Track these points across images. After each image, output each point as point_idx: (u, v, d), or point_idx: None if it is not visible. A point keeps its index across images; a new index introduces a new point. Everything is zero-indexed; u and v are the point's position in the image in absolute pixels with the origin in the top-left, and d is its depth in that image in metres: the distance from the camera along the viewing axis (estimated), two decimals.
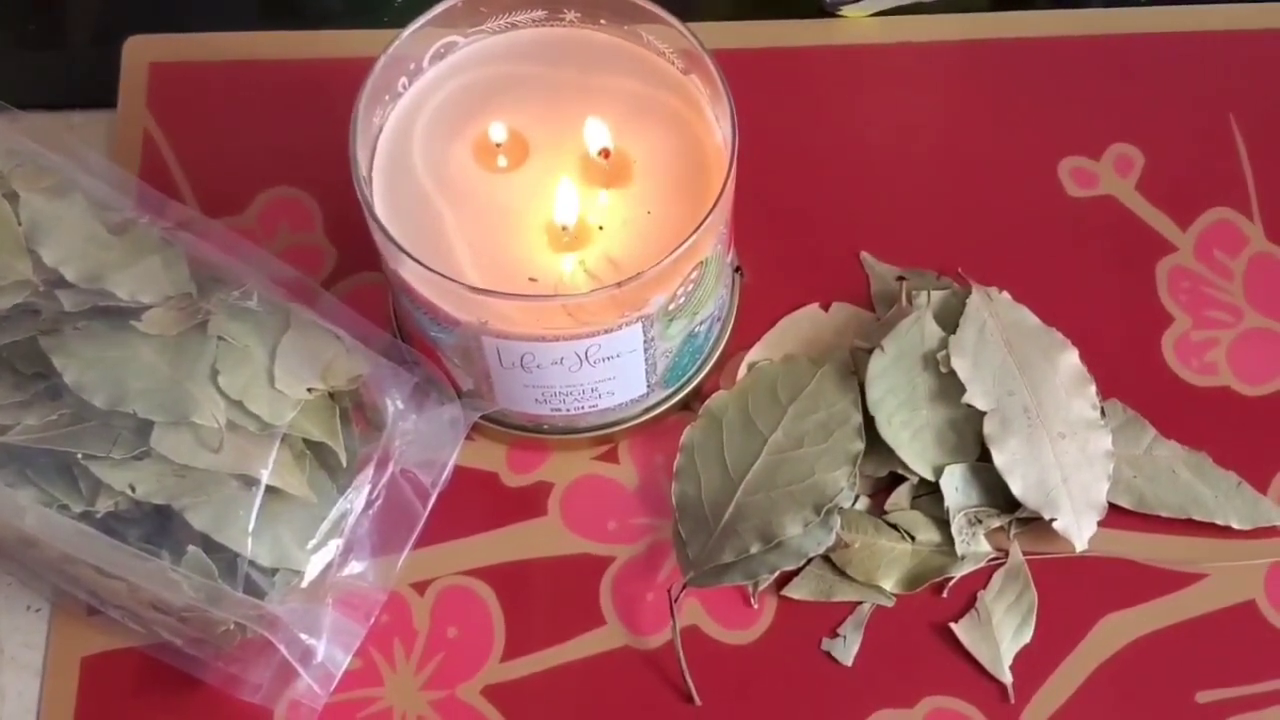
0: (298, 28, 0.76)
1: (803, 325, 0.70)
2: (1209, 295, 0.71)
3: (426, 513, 0.65)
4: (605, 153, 0.62)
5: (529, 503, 0.67)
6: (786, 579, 0.65)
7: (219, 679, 0.63)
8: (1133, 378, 0.68)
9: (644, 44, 0.65)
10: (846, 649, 0.64)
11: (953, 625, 0.65)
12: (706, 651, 0.65)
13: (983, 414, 0.65)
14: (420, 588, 0.66)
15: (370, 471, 0.63)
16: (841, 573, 0.65)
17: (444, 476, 0.65)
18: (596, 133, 0.62)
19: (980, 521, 0.65)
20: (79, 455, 0.59)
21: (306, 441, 0.61)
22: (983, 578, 0.65)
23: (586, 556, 0.66)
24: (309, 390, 0.61)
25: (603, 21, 0.65)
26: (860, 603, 0.65)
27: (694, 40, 0.62)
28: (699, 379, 0.68)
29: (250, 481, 0.59)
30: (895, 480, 0.66)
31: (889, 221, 0.72)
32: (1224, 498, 0.66)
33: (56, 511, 0.60)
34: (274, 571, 0.60)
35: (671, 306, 0.61)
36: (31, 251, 0.61)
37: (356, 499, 0.62)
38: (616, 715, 0.64)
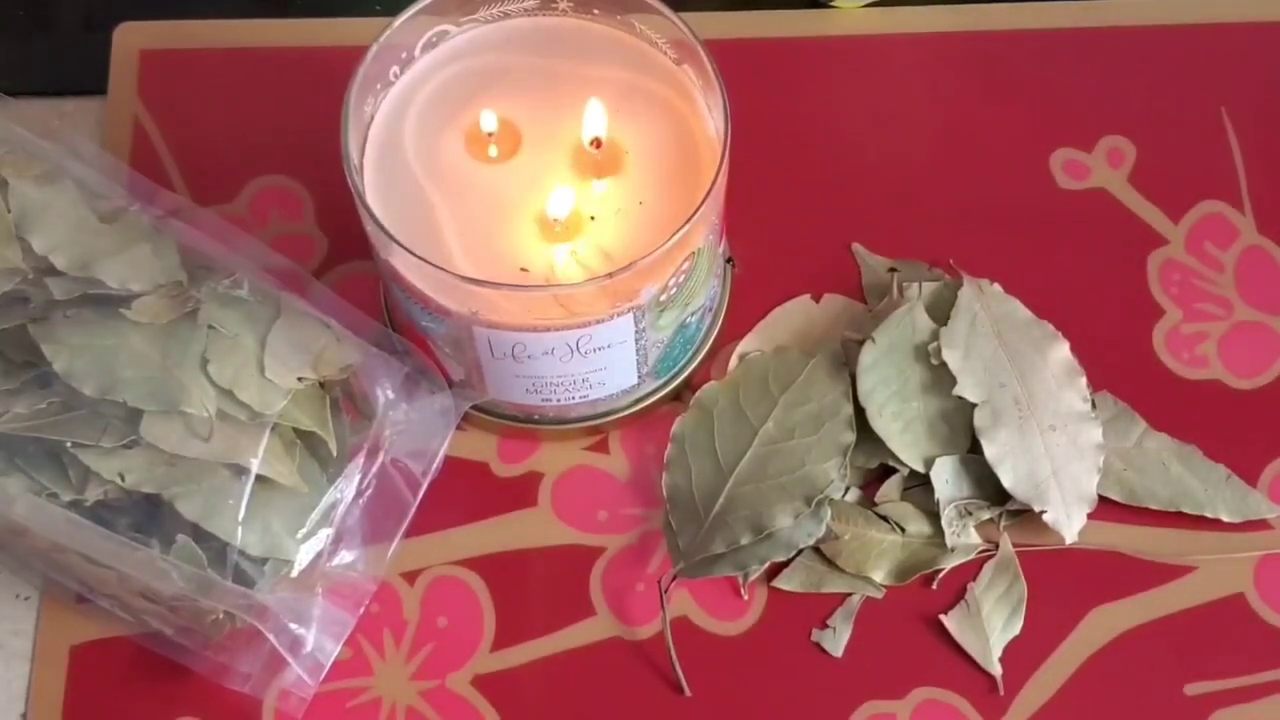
0: (289, 16, 0.76)
1: (794, 316, 0.70)
2: (1200, 288, 0.71)
3: (417, 502, 0.65)
4: (597, 142, 0.62)
5: (519, 493, 0.67)
6: (777, 570, 0.65)
7: (208, 668, 0.63)
8: (1123, 370, 0.69)
9: (637, 34, 0.64)
10: (836, 640, 0.64)
11: (942, 617, 0.65)
12: (696, 642, 0.65)
13: (973, 406, 0.65)
14: (410, 577, 0.66)
15: (361, 461, 0.63)
16: (831, 564, 0.65)
17: (434, 466, 0.65)
18: (595, 116, 0.62)
19: (970, 513, 0.66)
20: (68, 443, 0.59)
21: (297, 430, 0.61)
22: (973, 570, 0.65)
23: (577, 547, 0.66)
24: (299, 379, 0.61)
25: (595, 11, 0.65)
26: (850, 594, 0.65)
27: (687, 30, 0.62)
28: (690, 370, 0.68)
29: (240, 470, 0.59)
30: (886, 472, 0.67)
31: (881, 213, 0.72)
32: (1214, 490, 0.66)
33: (46, 500, 0.59)
34: (264, 561, 0.60)
35: (663, 297, 0.61)
36: (21, 239, 0.61)
37: (347, 488, 0.62)
38: (606, 705, 0.64)
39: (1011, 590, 0.65)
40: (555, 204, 0.61)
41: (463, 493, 0.67)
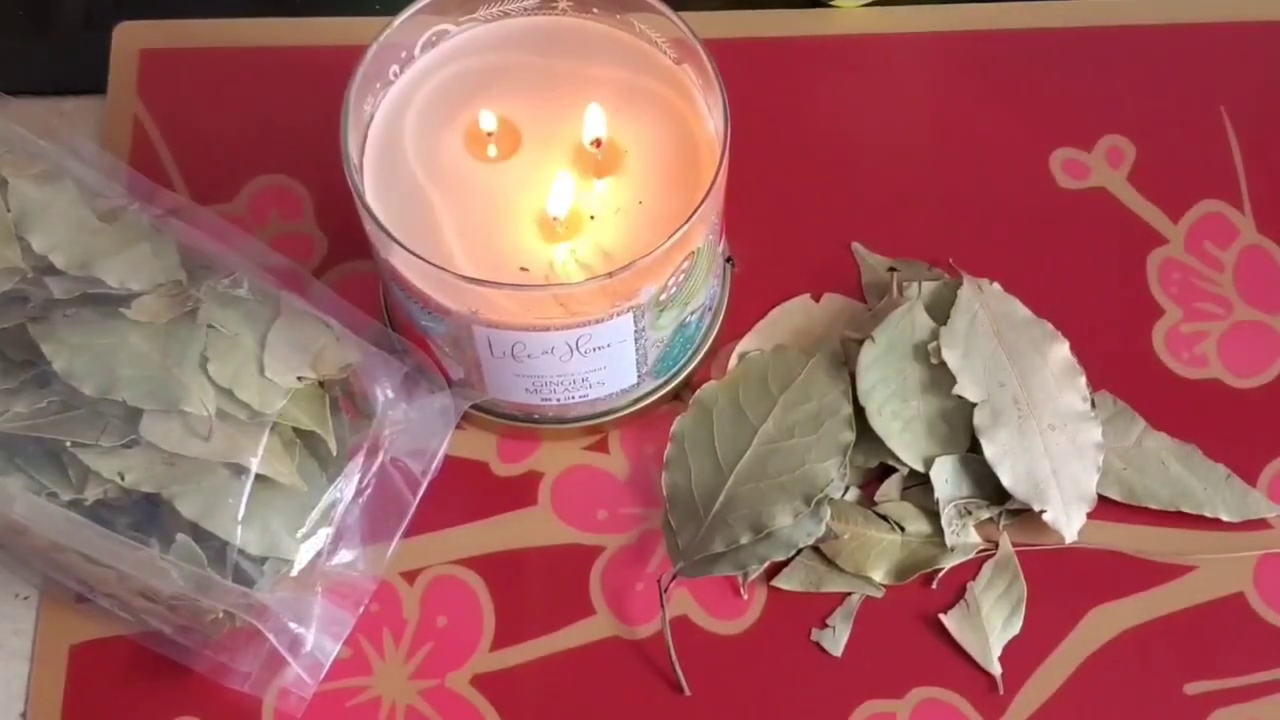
0: (289, 15, 0.76)
1: (794, 316, 0.70)
2: (1199, 287, 0.71)
3: (416, 502, 0.65)
4: (597, 142, 0.62)
5: (519, 492, 0.67)
6: (776, 569, 0.65)
7: (208, 667, 0.63)
8: (1123, 369, 0.69)
9: (636, 33, 0.64)
10: (836, 640, 0.64)
11: (942, 616, 0.65)
12: (696, 641, 0.65)
13: (973, 405, 0.65)
14: (410, 577, 0.66)
15: (360, 460, 0.63)
16: (831, 563, 0.65)
17: (434, 465, 0.65)
18: (595, 120, 0.62)
19: (970, 513, 0.65)
20: (68, 443, 0.59)
21: (296, 430, 0.61)
22: (972, 569, 0.65)
23: (576, 546, 0.66)
24: (299, 379, 0.61)
25: (595, 10, 0.65)
26: (850, 593, 0.65)
27: (686, 29, 0.62)
28: (690, 369, 0.68)
29: (240, 470, 0.59)
30: (885, 471, 0.67)
31: (880, 212, 0.72)
32: (1213, 490, 0.66)
33: (45, 499, 0.59)
34: (263, 560, 0.60)
35: (663, 296, 0.61)
36: (21, 238, 0.61)
37: (346, 487, 0.62)
38: (606, 705, 0.64)
39: (1011, 589, 0.65)
40: (556, 195, 0.61)
41: (462, 492, 0.67)
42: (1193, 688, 0.64)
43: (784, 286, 0.70)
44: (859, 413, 0.66)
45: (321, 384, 0.62)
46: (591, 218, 0.62)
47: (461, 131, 0.63)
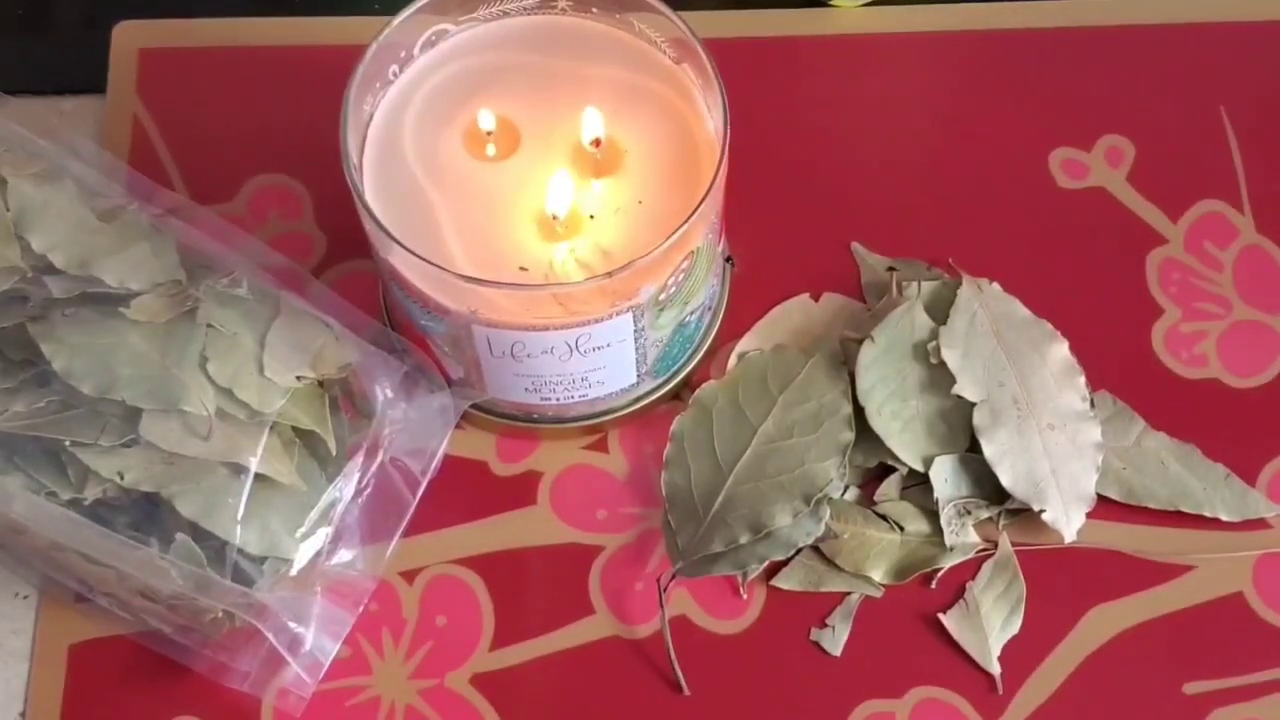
0: (289, 14, 0.76)
1: (793, 315, 0.70)
2: (1199, 287, 0.71)
3: (416, 501, 0.65)
4: (597, 142, 0.62)
5: (518, 492, 0.67)
6: (775, 569, 0.65)
7: (207, 667, 0.63)
8: (1122, 369, 0.69)
9: (636, 33, 0.64)
10: (835, 639, 0.64)
11: (941, 616, 0.65)
12: (695, 641, 0.65)
13: (972, 405, 0.65)
14: (409, 576, 0.66)
15: (360, 460, 0.63)
16: (830, 563, 0.65)
17: (433, 465, 0.65)
18: (592, 122, 0.62)
19: (969, 512, 0.65)
20: (67, 442, 0.59)
21: (296, 429, 0.61)
22: (971, 569, 0.65)
23: (576, 546, 0.66)
24: (298, 378, 0.61)
25: (594, 10, 0.65)
26: (849, 593, 0.65)
27: (686, 29, 0.62)
28: (689, 369, 0.68)
29: (239, 469, 0.59)
30: (885, 471, 0.67)
31: (880, 212, 0.72)
32: (1212, 490, 0.66)
33: (44, 498, 0.59)
34: (263, 559, 0.60)
35: (662, 296, 0.61)
36: (20, 238, 0.61)
37: (346, 487, 0.62)
38: (605, 704, 0.64)
39: (1010, 589, 0.65)
40: (554, 193, 0.61)
41: (462, 492, 0.67)
42: (1192, 687, 0.64)
43: (783, 286, 0.70)
44: (858, 412, 0.66)
45: (321, 383, 0.62)
46: (591, 217, 0.62)
47: (461, 131, 0.63)
